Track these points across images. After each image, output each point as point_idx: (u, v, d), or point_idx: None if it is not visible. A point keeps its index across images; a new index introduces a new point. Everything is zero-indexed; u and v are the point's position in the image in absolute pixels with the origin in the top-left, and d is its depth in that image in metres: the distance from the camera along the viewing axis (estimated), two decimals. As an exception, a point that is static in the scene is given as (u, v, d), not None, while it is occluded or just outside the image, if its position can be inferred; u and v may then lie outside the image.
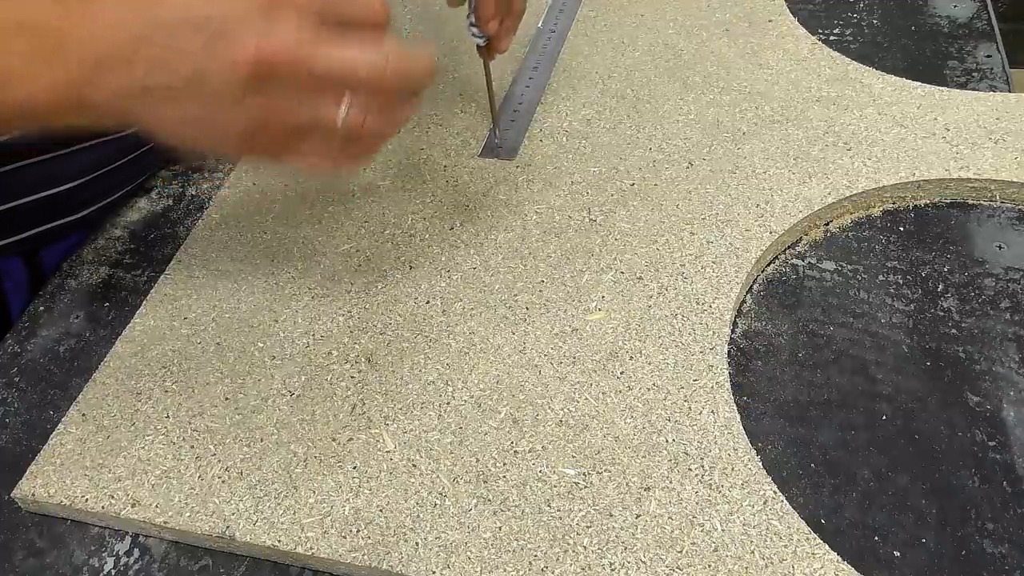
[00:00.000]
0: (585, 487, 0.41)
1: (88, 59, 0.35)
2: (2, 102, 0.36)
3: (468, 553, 0.39)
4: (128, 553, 0.42)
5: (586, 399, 0.44)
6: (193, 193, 0.59)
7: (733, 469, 0.41)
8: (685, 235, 0.51)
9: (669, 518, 0.40)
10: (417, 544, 0.40)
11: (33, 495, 0.43)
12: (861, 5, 0.68)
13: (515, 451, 0.42)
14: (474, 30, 0.51)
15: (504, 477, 0.42)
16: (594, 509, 0.40)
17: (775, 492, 0.40)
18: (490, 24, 0.49)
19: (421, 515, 0.41)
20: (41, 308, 0.53)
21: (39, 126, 0.38)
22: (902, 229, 0.52)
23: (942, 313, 0.48)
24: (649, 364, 0.45)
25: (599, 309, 0.48)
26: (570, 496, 0.41)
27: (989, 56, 0.62)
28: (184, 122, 0.36)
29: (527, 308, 0.48)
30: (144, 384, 0.47)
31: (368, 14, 0.36)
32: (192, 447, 0.44)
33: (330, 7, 0.35)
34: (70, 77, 0.35)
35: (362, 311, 0.49)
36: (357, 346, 0.48)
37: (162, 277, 0.53)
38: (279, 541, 0.40)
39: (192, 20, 0.34)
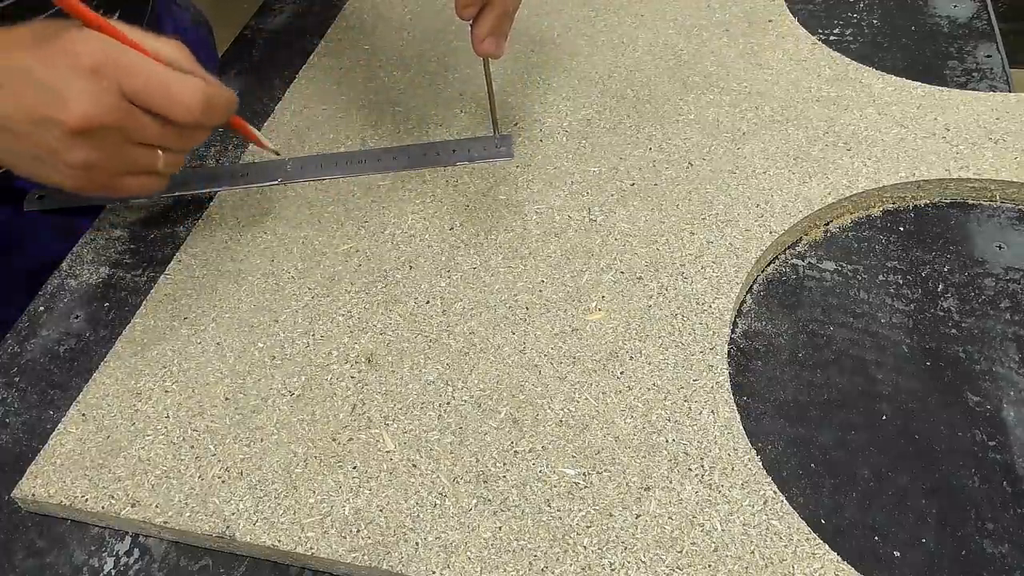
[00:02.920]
0: (585, 487, 0.41)
1: None
2: None
3: (468, 553, 0.39)
4: (128, 553, 0.42)
5: (586, 399, 0.44)
6: (193, 193, 0.59)
7: (733, 469, 0.41)
8: (685, 235, 0.51)
9: (669, 518, 0.40)
10: (417, 544, 0.40)
11: (33, 495, 0.43)
12: (861, 5, 0.68)
13: (515, 451, 0.42)
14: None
15: (504, 477, 0.42)
16: (594, 509, 0.40)
17: (775, 492, 0.40)
18: (466, 11, 0.48)
19: (421, 515, 0.41)
20: (41, 308, 0.53)
21: None
22: (902, 229, 0.52)
23: (942, 313, 0.48)
24: (649, 364, 0.45)
25: (599, 309, 0.48)
26: (570, 496, 0.41)
27: (989, 56, 0.62)
28: (29, 160, 0.42)
29: (527, 308, 0.48)
30: (144, 384, 0.47)
31: (178, 116, 0.42)
32: (192, 447, 0.44)
33: (145, 91, 0.41)
34: None
35: (362, 311, 0.49)
36: (357, 346, 0.48)
37: (162, 277, 0.53)
38: (279, 541, 0.40)
39: (32, 79, 0.40)
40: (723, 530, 0.39)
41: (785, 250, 0.52)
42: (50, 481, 0.43)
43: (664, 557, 0.38)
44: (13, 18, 0.55)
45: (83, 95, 0.39)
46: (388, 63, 0.67)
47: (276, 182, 0.58)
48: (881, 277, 0.50)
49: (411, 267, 0.52)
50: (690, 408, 0.43)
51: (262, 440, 0.44)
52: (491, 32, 0.49)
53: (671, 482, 0.41)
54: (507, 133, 0.59)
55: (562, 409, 0.44)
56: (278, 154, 0.55)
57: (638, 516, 0.40)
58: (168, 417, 0.46)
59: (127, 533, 0.43)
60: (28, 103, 0.40)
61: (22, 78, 0.40)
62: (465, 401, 0.45)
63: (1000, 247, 0.51)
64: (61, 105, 0.39)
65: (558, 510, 0.40)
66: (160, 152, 0.43)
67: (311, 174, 0.58)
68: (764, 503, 0.40)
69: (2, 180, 0.61)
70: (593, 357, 0.46)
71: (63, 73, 0.40)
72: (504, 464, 0.42)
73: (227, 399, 0.46)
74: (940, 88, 0.58)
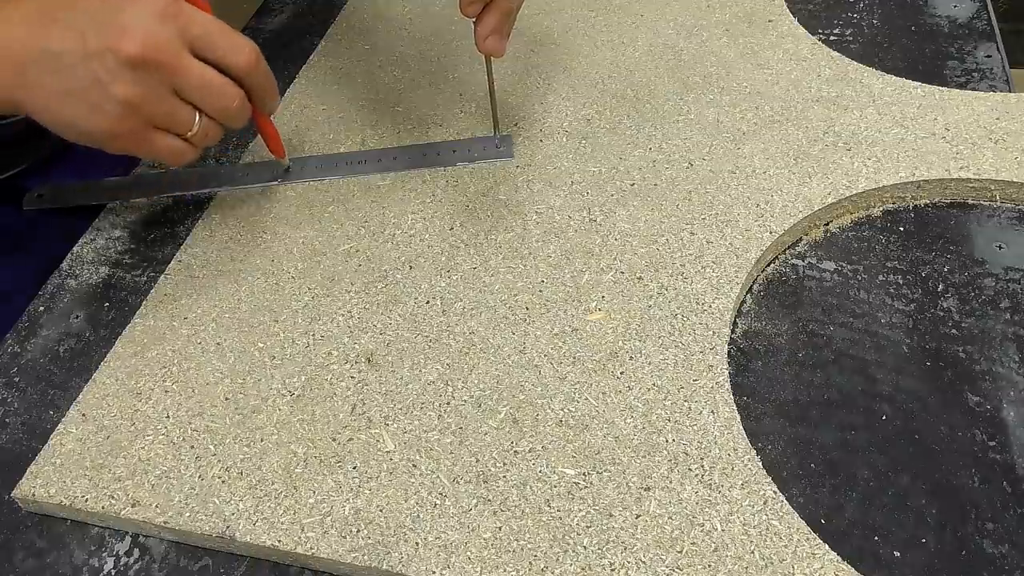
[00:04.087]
0: (585, 487, 0.41)
1: (3, 35, 0.41)
2: None
3: (468, 553, 0.39)
4: (128, 553, 0.42)
5: (586, 399, 0.44)
6: (193, 193, 0.59)
7: (733, 469, 0.41)
8: (685, 235, 0.51)
9: (669, 518, 0.40)
10: (417, 544, 0.40)
11: (33, 495, 0.43)
12: (861, 5, 0.68)
13: (515, 451, 0.42)
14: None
15: (504, 477, 0.42)
16: (594, 509, 0.40)
17: (775, 492, 0.40)
18: (471, 8, 0.48)
19: (421, 515, 0.41)
20: (41, 308, 0.53)
21: None
22: (902, 229, 0.52)
23: (942, 313, 0.48)
24: (649, 364, 0.45)
25: (599, 309, 0.48)
26: (570, 496, 0.41)
27: (989, 56, 0.62)
28: (67, 99, 0.42)
29: (527, 308, 0.48)
30: (144, 384, 0.47)
31: (238, 61, 0.44)
32: (192, 447, 0.44)
33: (208, 37, 0.43)
34: None
35: (362, 311, 0.49)
36: (357, 346, 0.48)
37: (162, 277, 0.53)
38: (279, 541, 0.40)
39: (95, 16, 0.41)
40: (723, 530, 0.39)
41: (785, 250, 0.52)
42: (50, 481, 0.43)
43: (664, 557, 0.38)
44: None
45: (144, 29, 0.40)
46: (388, 63, 0.67)
47: (276, 182, 0.58)
48: (881, 277, 0.50)
49: (411, 267, 0.52)
50: (690, 408, 0.43)
51: (262, 440, 0.44)
52: (494, 30, 0.49)
53: (671, 482, 0.41)
54: (507, 133, 0.59)
55: (562, 409, 0.44)
56: (288, 167, 0.57)
57: (638, 516, 0.40)
58: (168, 417, 0.46)
59: (127, 533, 0.43)
60: (85, 35, 0.40)
61: (83, 14, 0.41)
62: (465, 401, 0.45)
63: (1000, 247, 0.51)
64: (119, 35, 0.40)
65: (558, 510, 0.40)
66: (197, 117, 0.44)
67: (311, 174, 0.58)
68: (764, 503, 0.40)
69: (7, 180, 0.62)
70: (593, 357, 0.46)
71: (129, 11, 0.41)
72: (504, 464, 0.42)
73: (227, 399, 0.46)
74: (940, 88, 0.58)
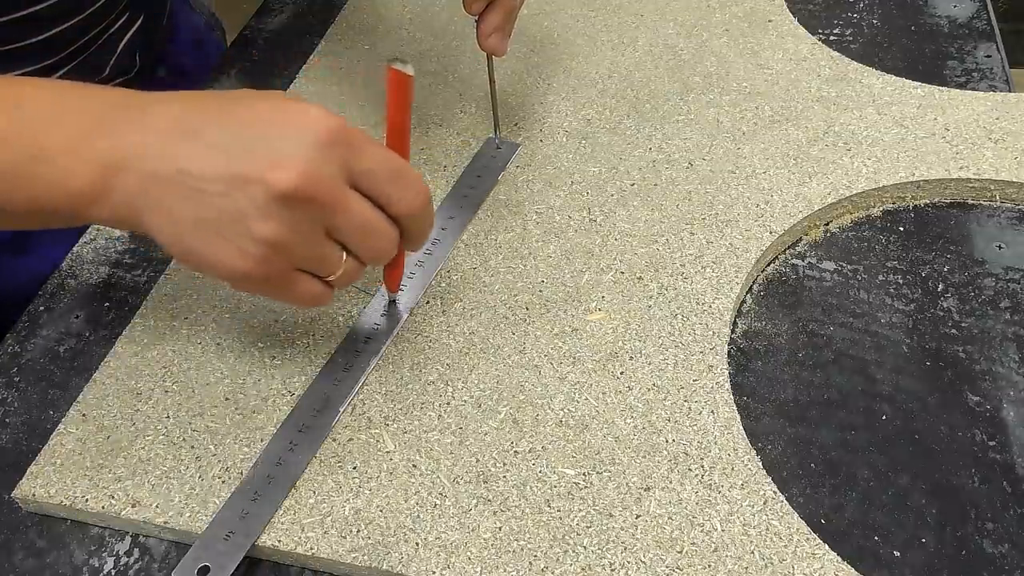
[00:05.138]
0: (585, 487, 0.41)
1: (135, 143, 0.35)
2: (42, 179, 0.36)
3: (468, 553, 0.39)
4: (128, 553, 0.42)
5: (586, 399, 0.44)
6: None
7: (733, 469, 0.41)
8: (685, 235, 0.51)
9: (669, 518, 0.40)
10: (417, 544, 0.40)
11: (33, 495, 0.43)
12: (861, 5, 0.68)
13: (515, 451, 0.42)
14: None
15: (504, 477, 0.42)
16: (594, 509, 0.40)
17: (775, 492, 0.40)
18: (475, 5, 0.48)
19: (421, 515, 0.41)
20: (41, 308, 0.53)
21: (47, 221, 0.38)
22: (902, 229, 0.52)
23: (942, 313, 0.48)
24: (649, 364, 0.45)
25: (599, 309, 0.48)
26: (570, 496, 0.41)
27: (989, 56, 0.62)
28: (201, 231, 0.35)
29: (527, 308, 0.48)
30: (144, 384, 0.47)
31: (407, 207, 0.38)
32: (192, 447, 0.44)
33: (376, 174, 0.37)
34: (112, 157, 0.35)
35: (362, 311, 0.49)
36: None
37: (162, 277, 0.53)
38: (279, 541, 0.40)
39: (247, 133, 0.35)
40: (723, 530, 0.39)
41: (785, 250, 0.52)
42: (50, 481, 0.43)
43: (664, 557, 0.38)
44: (52, 18, 0.56)
45: (305, 159, 0.34)
46: (388, 63, 0.67)
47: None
48: (881, 277, 0.50)
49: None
50: (690, 408, 0.43)
51: (262, 440, 0.44)
52: (497, 28, 0.49)
53: (671, 482, 0.41)
54: (507, 133, 0.59)
55: (562, 409, 0.44)
56: (393, 300, 0.49)
57: (638, 516, 0.40)
58: (168, 417, 0.46)
59: (127, 533, 0.43)
60: (232, 159, 0.34)
61: (234, 133, 0.35)
62: (465, 401, 0.45)
63: (1000, 247, 0.51)
64: (273, 163, 0.34)
65: (558, 510, 0.40)
66: (344, 256, 0.38)
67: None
68: (764, 503, 0.40)
69: None
70: (593, 357, 0.46)
71: (287, 134, 0.34)
72: (504, 464, 0.42)
73: (227, 399, 0.46)
74: (940, 88, 0.58)
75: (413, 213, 0.38)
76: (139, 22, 0.64)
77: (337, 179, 0.35)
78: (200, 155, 0.35)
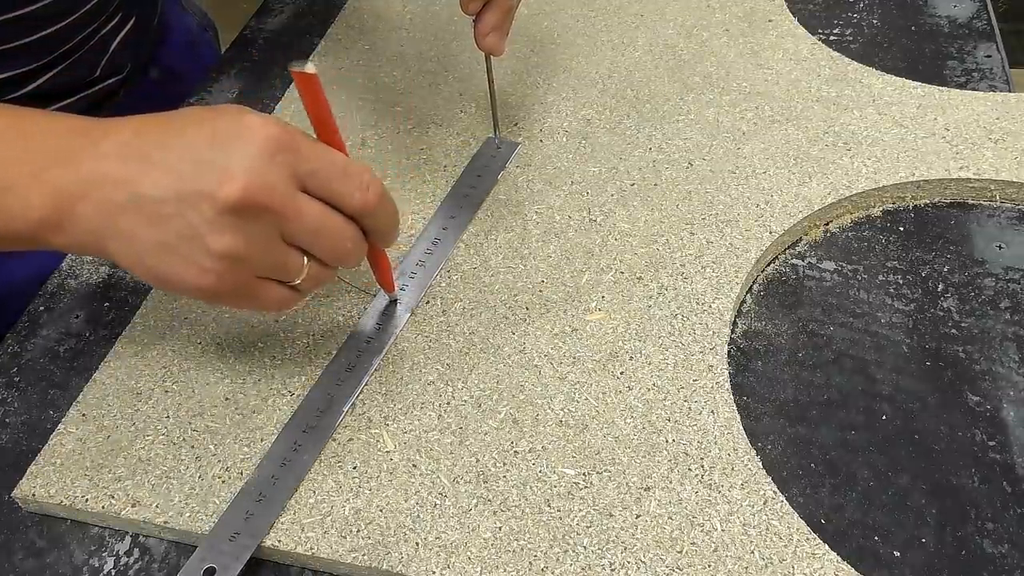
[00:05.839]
0: (585, 487, 0.41)
1: (90, 170, 0.36)
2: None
3: (468, 553, 0.39)
4: (128, 553, 0.42)
5: (586, 399, 0.44)
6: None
7: (733, 469, 0.41)
8: (685, 235, 0.51)
9: (669, 518, 0.40)
10: (417, 544, 0.40)
11: (33, 495, 0.43)
12: (861, 5, 0.68)
13: (515, 451, 0.42)
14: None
15: (504, 477, 0.42)
16: (594, 509, 0.40)
17: (775, 492, 0.40)
18: (472, 4, 0.49)
19: (421, 515, 0.41)
20: (41, 308, 0.53)
21: (12, 245, 0.39)
22: (902, 229, 0.52)
23: (942, 313, 0.48)
24: (649, 364, 0.45)
25: (599, 309, 0.48)
26: (570, 496, 0.41)
27: (989, 56, 0.62)
28: (160, 251, 0.36)
29: (527, 308, 0.48)
30: (144, 384, 0.47)
31: (357, 202, 0.38)
32: (192, 447, 0.44)
33: (323, 173, 0.37)
34: (69, 187, 0.36)
35: (362, 311, 0.49)
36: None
37: (162, 277, 0.53)
38: (279, 541, 0.40)
39: (193, 154, 0.35)
40: (723, 530, 0.39)
41: (785, 250, 0.52)
42: (50, 481, 0.43)
43: (664, 557, 0.38)
44: (45, 19, 0.56)
45: (248, 169, 0.35)
46: (388, 63, 0.67)
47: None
48: (881, 277, 0.50)
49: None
50: (690, 408, 0.43)
51: (262, 440, 0.44)
52: (495, 27, 0.49)
53: (671, 482, 0.41)
54: (507, 133, 0.59)
55: (562, 409, 0.44)
56: (396, 300, 0.49)
57: (638, 516, 0.40)
58: (168, 417, 0.46)
59: (127, 533, 0.43)
60: (181, 179, 0.35)
61: (180, 154, 0.35)
62: (465, 401, 0.45)
63: (1000, 247, 0.51)
64: (220, 177, 0.34)
65: (558, 510, 0.40)
66: (305, 260, 0.38)
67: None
68: (764, 503, 0.40)
69: None
70: (593, 357, 0.46)
71: (233, 148, 0.35)
72: (504, 464, 0.42)
73: (227, 399, 0.46)
74: (940, 88, 0.58)
75: (366, 208, 0.38)
76: (131, 23, 0.64)
77: (285, 184, 0.36)
78: (151, 178, 0.35)
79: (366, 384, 0.46)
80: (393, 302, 0.49)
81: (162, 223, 0.35)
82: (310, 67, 0.36)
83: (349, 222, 0.38)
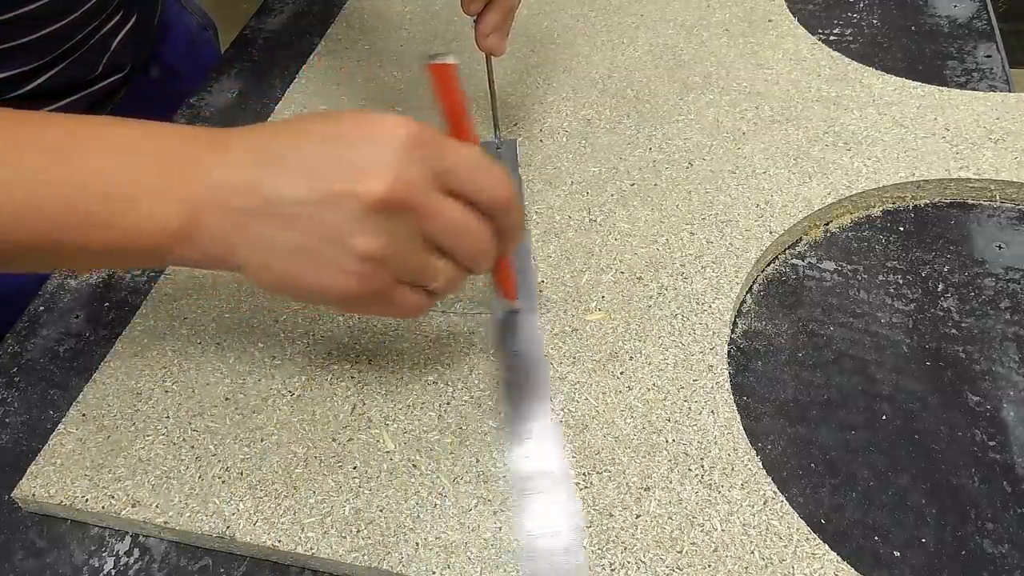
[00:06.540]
0: (585, 487, 0.41)
1: (219, 178, 0.34)
2: (122, 221, 0.35)
3: (468, 553, 0.39)
4: (128, 553, 0.42)
5: (586, 399, 0.44)
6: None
7: (733, 469, 0.41)
8: (685, 235, 0.51)
9: (669, 518, 0.40)
10: (417, 544, 0.40)
11: (33, 495, 0.43)
12: (861, 5, 0.68)
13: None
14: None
15: (504, 477, 0.42)
16: (594, 509, 0.40)
17: (775, 492, 0.40)
18: (473, 5, 0.49)
19: (421, 515, 0.41)
20: (41, 308, 0.53)
21: (128, 262, 0.37)
22: (902, 229, 0.52)
23: (942, 313, 0.48)
24: (649, 364, 0.45)
25: (599, 309, 0.48)
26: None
27: (989, 56, 0.62)
28: (300, 258, 0.34)
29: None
30: (144, 384, 0.47)
31: (495, 197, 0.36)
32: (192, 447, 0.44)
33: (460, 170, 0.35)
34: (198, 196, 0.34)
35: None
36: (357, 346, 0.48)
37: (162, 277, 0.53)
38: (279, 541, 0.40)
39: (331, 154, 0.34)
40: (723, 530, 0.39)
41: (785, 250, 0.52)
42: (50, 481, 0.43)
43: (664, 557, 0.38)
44: (45, 18, 0.56)
45: (390, 167, 0.33)
46: (388, 63, 0.67)
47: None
48: (881, 277, 0.50)
49: (411, 267, 0.51)
50: (690, 408, 0.43)
51: (262, 440, 0.44)
52: (495, 28, 0.49)
53: (671, 482, 0.41)
54: (507, 133, 0.59)
55: (562, 409, 0.44)
56: (517, 309, 0.48)
57: (638, 516, 0.40)
58: (168, 417, 0.46)
59: (127, 533, 0.43)
60: (320, 179, 0.34)
61: (316, 155, 0.34)
62: (465, 401, 0.45)
63: (1000, 247, 0.51)
64: (361, 176, 0.33)
65: (558, 510, 0.40)
66: (440, 264, 0.37)
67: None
68: (764, 503, 0.40)
69: None
70: (593, 357, 0.46)
71: (371, 147, 0.34)
72: (504, 464, 0.42)
73: (227, 399, 0.46)
74: (940, 88, 0.58)
75: (503, 204, 0.36)
76: (132, 21, 0.64)
77: (426, 182, 0.34)
78: (286, 181, 0.34)
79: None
80: (514, 312, 0.48)
81: (300, 226, 0.34)
82: (450, 58, 0.35)
83: (484, 221, 0.37)
